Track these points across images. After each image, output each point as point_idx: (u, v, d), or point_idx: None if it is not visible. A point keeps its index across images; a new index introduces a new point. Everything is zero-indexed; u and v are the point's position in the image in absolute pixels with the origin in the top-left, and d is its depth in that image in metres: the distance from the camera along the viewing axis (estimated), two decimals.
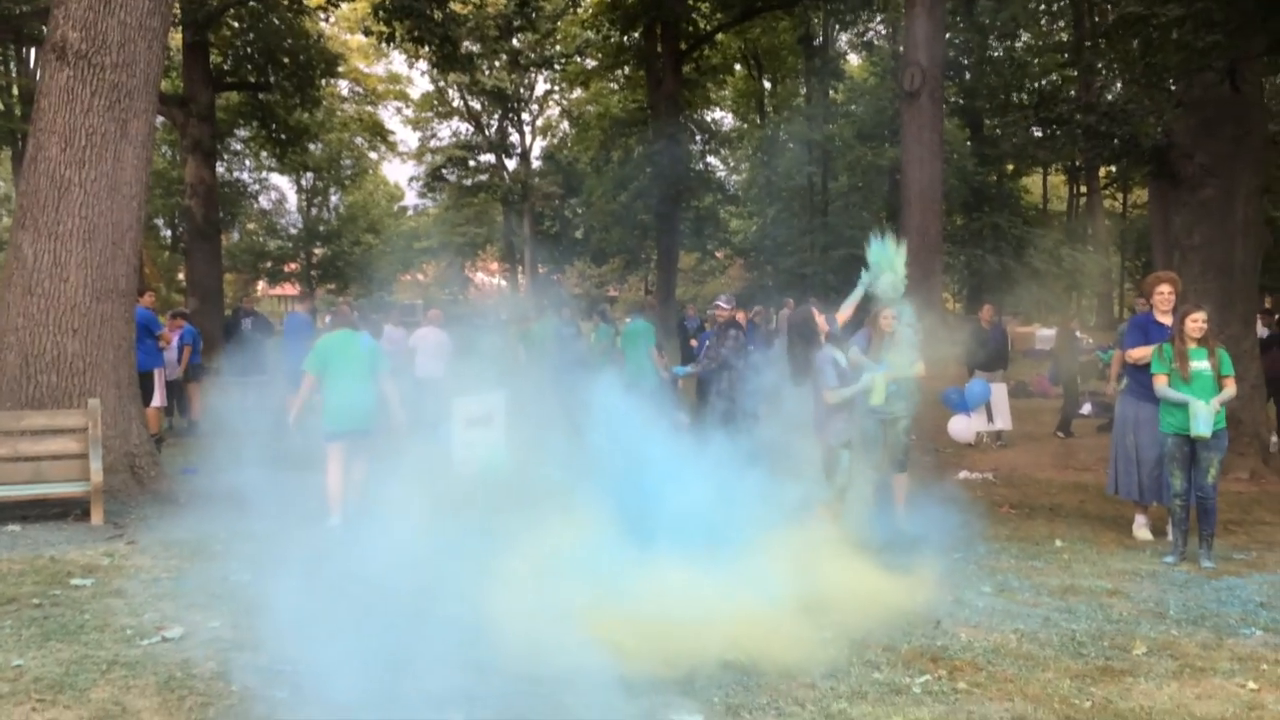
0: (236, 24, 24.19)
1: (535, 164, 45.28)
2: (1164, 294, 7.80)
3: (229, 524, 7.81)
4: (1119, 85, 22.24)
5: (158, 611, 5.69)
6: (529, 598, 5.09)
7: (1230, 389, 7.04)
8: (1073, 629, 5.47)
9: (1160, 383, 7.19)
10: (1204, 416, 6.88)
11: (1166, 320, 7.60)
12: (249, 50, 24.58)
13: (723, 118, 41.07)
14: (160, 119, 16.68)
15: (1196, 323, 7.10)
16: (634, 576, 5.26)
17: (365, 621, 5.31)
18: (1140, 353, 7.77)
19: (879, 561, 6.20)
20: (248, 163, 38.89)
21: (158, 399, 11.85)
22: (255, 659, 4.91)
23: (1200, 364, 7.03)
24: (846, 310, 7.56)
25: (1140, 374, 7.76)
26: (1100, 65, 20.91)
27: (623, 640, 4.68)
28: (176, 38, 21.88)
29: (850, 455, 6.99)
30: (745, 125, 39.63)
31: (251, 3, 22.19)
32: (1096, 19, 25.26)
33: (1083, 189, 34.53)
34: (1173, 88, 11.96)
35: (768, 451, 7.09)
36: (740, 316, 12.92)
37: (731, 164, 41.20)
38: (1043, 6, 28.03)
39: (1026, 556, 7.15)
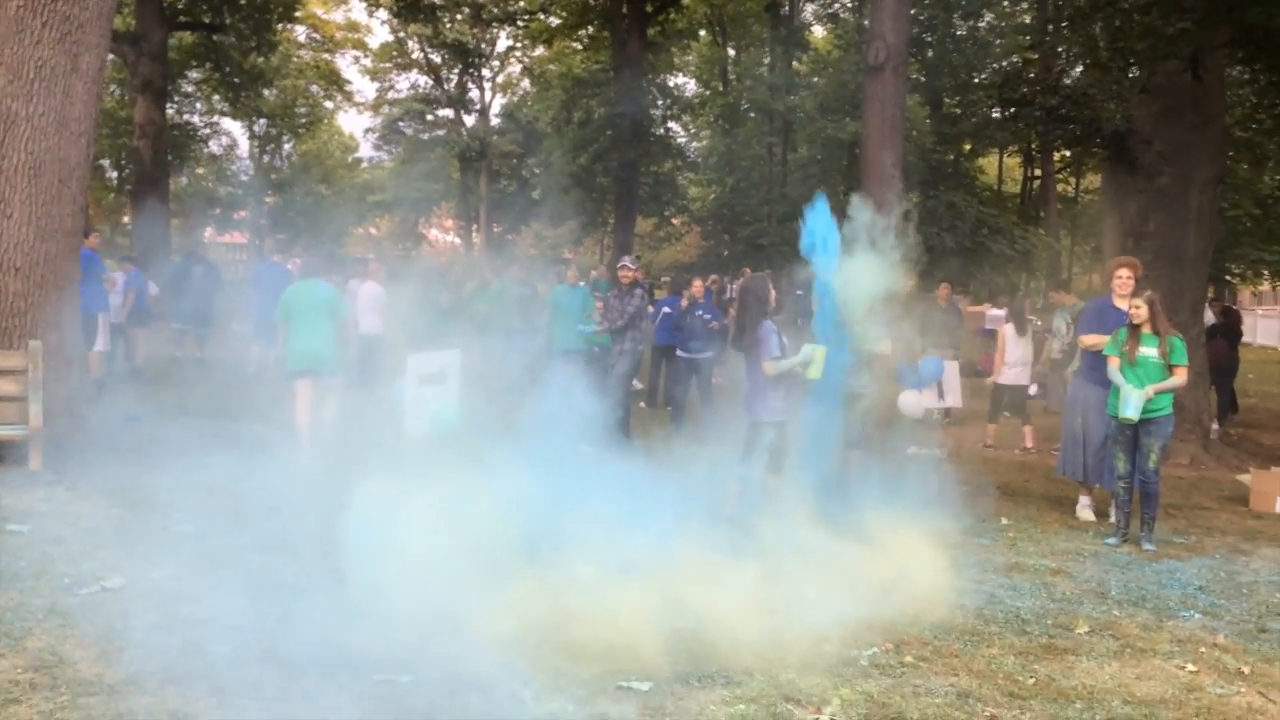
0: None
1: (494, 121, 44.79)
2: (1122, 278, 7.90)
3: (172, 473, 7.66)
4: (1079, 69, 22.41)
5: (97, 560, 5.57)
6: (480, 566, 5.03)
7: (1177, 378, 7.13)
8: (1017, 607, 5.55)
9: (1112, 365, 7.30)
10: (1132, 401, 6.98)
11: (1123, 305, 7.68)
12: None
13: (685, 83, 40.88)
14: (110, 56, 16.19)
15: (1130, 309, 7.22)
16: (570, 548, 5.23)
17: (307, 577, 5.25)
18: (1092, 339, 7.89)
19: (826, 536, 6.23)
20: (199, 105, 38.03)
21: (100, 343, 11.55)
22: (198, 611, 4.82)
23: (1148, 350, 7.12)
24: (786, 366, 7.16)
25: (1093, 357, 7.88)
26: (1062, 49, 21.04)
27: (570, 609, 4.65)
28: None
29: (776, 433, 6.97)
30: (708, 92, 39.44)
31: None
32: (1060, 2, 25.39)
33: (1037, 172, 34.82)
34: (1134, 74, 12.06)
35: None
36: (698, 285, 12.90)
37: (693, 130, 41.03)
38: None
39: (973, 534, 7.24)
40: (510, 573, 5.04)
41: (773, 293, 7.11)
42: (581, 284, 13.24)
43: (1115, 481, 7.44)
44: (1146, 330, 7.18)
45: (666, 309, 13.14)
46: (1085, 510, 8.13)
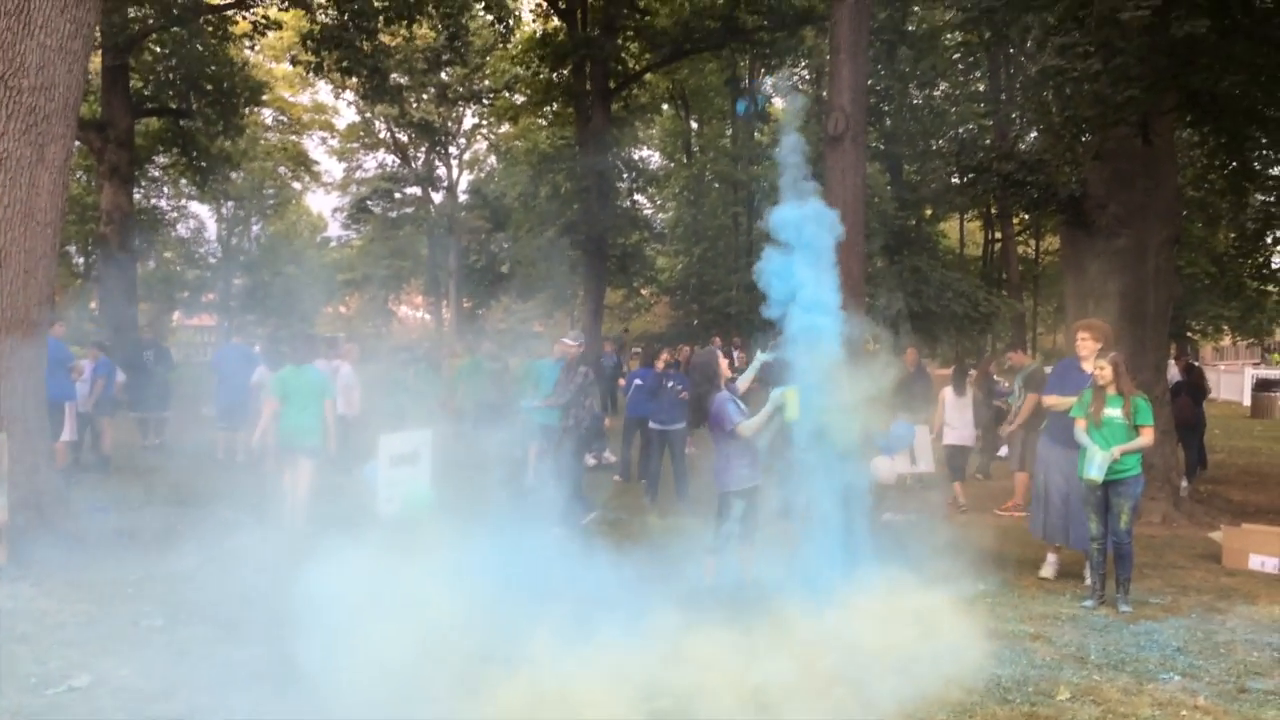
0: (159, 49, 23.80)
1: (462, 198, 45.12)
2: (1082, 340, 8.04)
3: (140, 565, 7.55)
4: (1033, 135, 22.93)
5: (64, 659, 5.46)
6: (453, 662, 4.99)
7: (1144, 438, 7.19)
8: (998, 674, 5.53)
9: (1079, 426, 7.38)
10: (1096, 462, 7.06)
11: (1088, 367, 7.79)
12: (171, 76, 24.19)
13: (650, 156, 41.44)
14: (77, 144, 16.24)
15: (1095, 370, 7.34)
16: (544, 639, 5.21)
17: (280, 669, 5.16)
18: (1053, 399, 8.03)
19: (803, 608, 6.20)
20: (166, 190, 38.09)
21: (67, 432, 11.44)
22: (167, 709, 4.72)
23: (1113, 411, 7.20)
24: (746, 382, 7.48)
25: (1057, 418, 7.98)
26: (1016, 115, 21.57)
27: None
28: (96, 61, 21.44)
29: (744, 505, 6.93)
30: (672, 164, 40.00)
31: (175, 28, 21.80)
32: (1012, 70, 26.07)
33: (998, 235, 35.46)
34: (1086, 139, 12.36)
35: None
36: (665, 356, 12.97)
37: (659, 202, 41.51)
38: (958, 57, 28.84)
39: (950, 600, 7.20)
40: (486, 668, 5.00)
41: (723, 363, 7.16)
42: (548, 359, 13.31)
43: (1088, 543, 7.49)
44: (1111, 391, 7.27)
45: (638, 381, 13.19)
46: (1048, 568, 8.17)
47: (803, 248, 7.25)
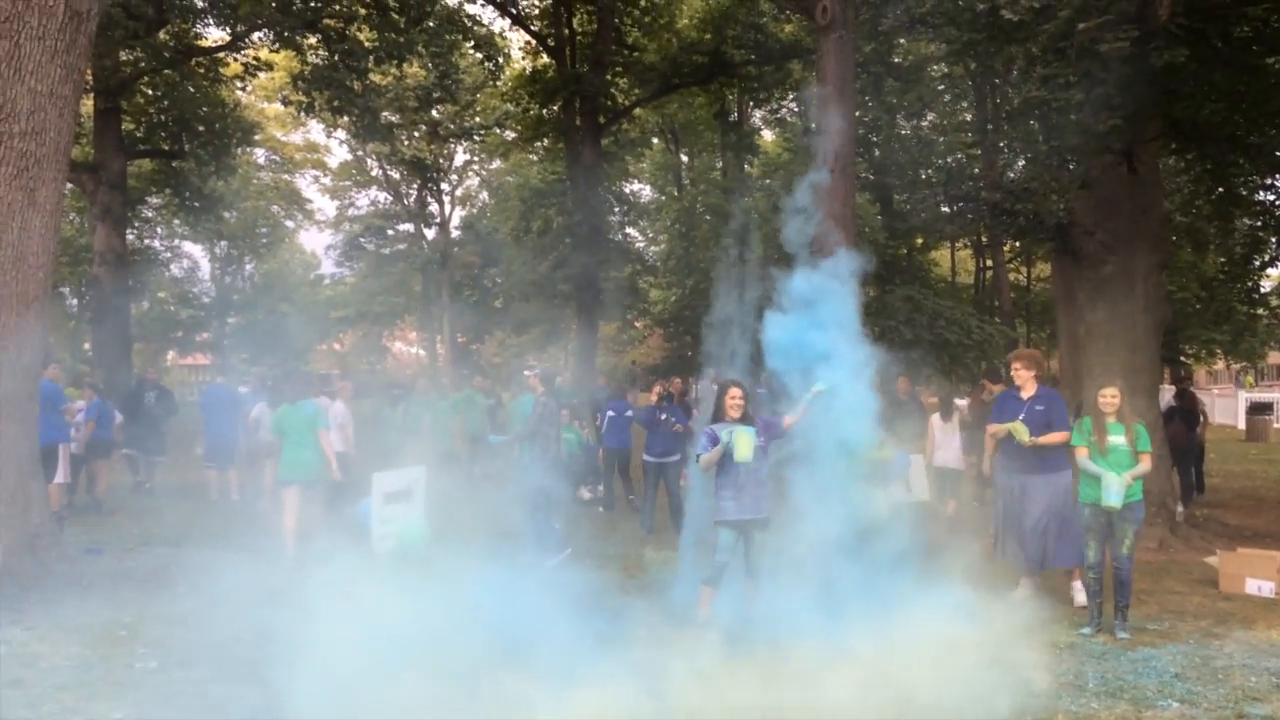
0: (151, 91, 23.92)
1: (455, 233, 45.27)
2: (1016, 370, 8.40)
3: (134, 607, 7.52)
4: (1020, 163, 23.10)
5: (57, 703, 5.43)
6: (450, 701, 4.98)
7: (1145, 464, 7.29)
8: (995, 703, 5.51)
9: (1080, 455, 7.45)
10: (1115, 489, 7.11)
11: (1024, 396, 8.20)
12: (163, 117, 24.30)
13: (641, 189, 41.69)
14: (69, 186, 16.31)
15: (1105, 398, 7.38)
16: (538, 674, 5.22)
17: (271, 711, 5.14)
18: (993, 428, 8.38)
19: (800, 640, 6.20)
20: (159, 230, 38.19)
21: (60, 474, 11.40)
22: None
23: (1116, 438, 7.28)
24: (795, 415, 7.36)
25: (1005, 445, 8.31)
26: (1003, 145, 21.73)
27: None
28: (88, 104, 21.57)
29: (734, 536, 6.96)
30: (663, 197, 40.21)
31: (166, 71, 21.95)
32: (998, 100, 26.31)
33: (989, 262, 35.66)
34: (1072, 168, 12.47)
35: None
36: (657, 389, 12.99)
37: (650, 235, 41.70)
38: (944, 88, 29.10)
39: (947, 629, 7.19)
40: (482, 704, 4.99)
41: (729, 400, 7.13)
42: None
43: (1086, 570, 7.53)
44: (1112, 419, 7.35)
45: (612, 412, 13.31)
46: (1022, 593, 8.21)
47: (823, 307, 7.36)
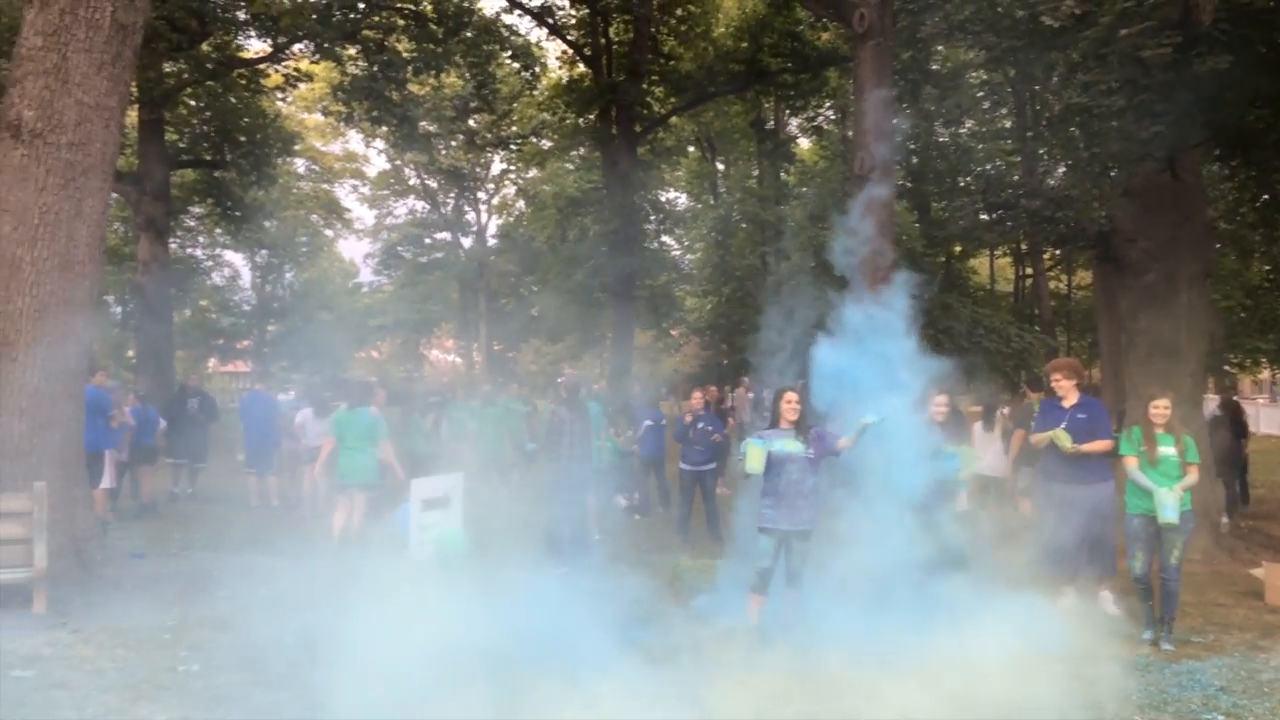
0: (193, 102, 24.28)
1: (491, 242, 45.47)
2: (1057, 381, 8.28)
3: (176, 611, 7.62)
4: (1061, 170, 22.86)
5: (102, 705, 5.51)
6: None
7: (1193, 475, 7.23)
8: (1041, 717, 5.45)
9: (1130, 465, 7.39)
10: (1170, 505, 7.05)
11: (1065, 405, 8.11)
12: (205, 128, 24.66)
13: (677, 197, 41.65)
14: (113, 195, 16.58)
15: (1156, 409, 7.32)
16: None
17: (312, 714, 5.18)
18: (1038, 437, 8.27)
19: (841, 651, 6.16)
20: (201, 239, 38.64)
21: (106, 480, 11.57)
22: None
23: (1166, 449, 7.24)
24: (844, 441, 7.23)
25: (1046, 454, 8.24)
26: (1043, 152, 21.54)
27: None
28: (132, 115, 21.90)
29: (775, 544, 6.95)
30: (699, 205, 40.18)
31: (209, 82, 22.26)
32: (1038, 107, 26.07)
33: (1028, 270, 35.30)
34: (1114, 175, 12.35)
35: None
36: (696, 397, 12.96)
37: (686, 243, 41.66)
38: (983, 95, 28.89)
39: (990, 641, 7.12)
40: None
41: (785, 405, 7.11)
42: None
43: (1134, 582, 7.47)
44: (1161, 430, 7.29)
45: (649, 421, 13.39)
46: (1067, 600, 8.10)
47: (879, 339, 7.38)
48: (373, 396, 11.33)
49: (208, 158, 24.96)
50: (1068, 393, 8.19)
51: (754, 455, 6.92)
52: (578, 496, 10.25)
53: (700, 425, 11.96)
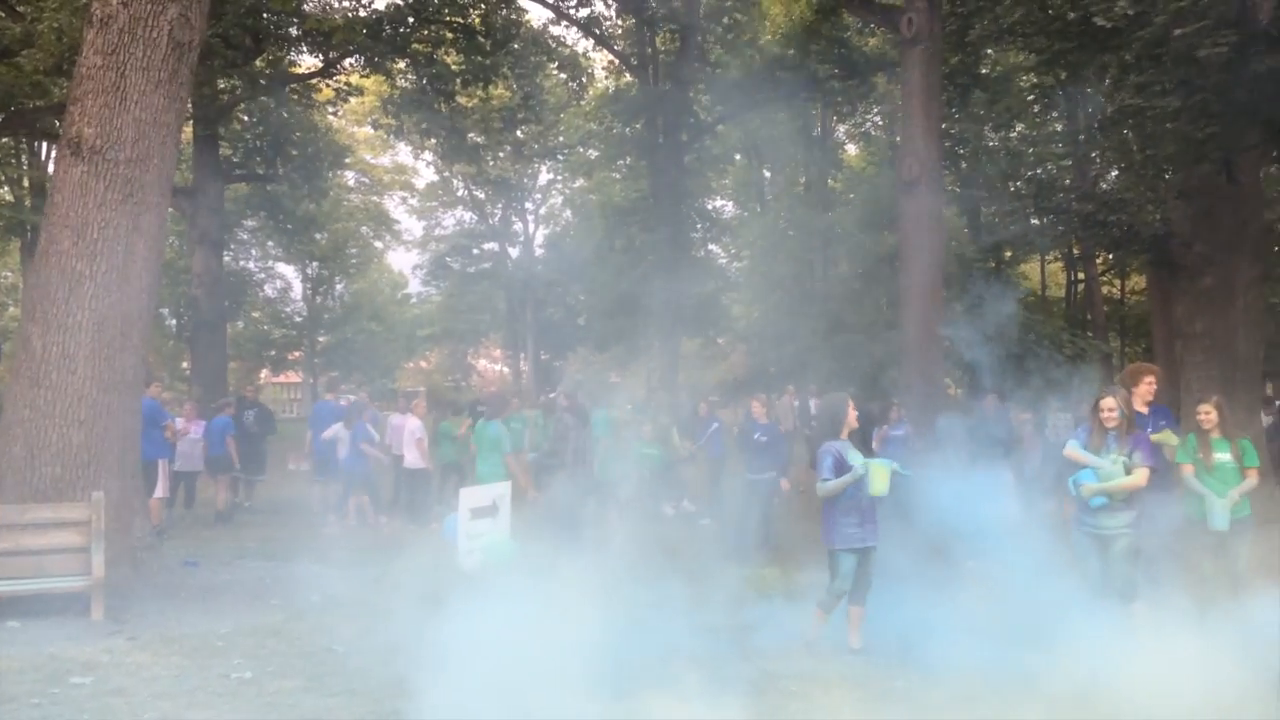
0: (246, 117, 24.70)
1: (538, 252, 45.69)
2: (1149, 383, 7.76)
3: (230, 619, 7.73)
4: (1114, 174, 22.52)
5: (158, 711, 5.59)
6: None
7: (1252, 479, 7.06)
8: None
9: (1186, 472, 7.25)
10: (1219, 511, 6.92)
11: (1143, 409, 7.60)
12: (258, 143, 25.08)
13: (724, 205, 41.58)
14: (170, 210, 16.91)
15: (1201, 414, 7.19)
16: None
17: None
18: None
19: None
20: (254, 252, 39.24)
21: (160, 489, 11.78)
22: None
23: (1221, 455, 7.11)
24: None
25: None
26: (1096, 154, 21.24)
27: None
28: (187, 131, 22.32)
29: (854, 561, 6.73)
30: (746, 213, 40.08)
31: (262, 98, 22.64)
32: (1090, 110, 25.74)
33: (1081, 275, 34.77)
34: (1169, 177, 12.15)
35: None
36: (756, 406, 12.85)
37: (733, 251, 41.57)
38: (1033, 99, 28.57)
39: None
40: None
41: (851, 413, 6.96)
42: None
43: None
44: (1216, 435, 7.15)
45: (716, 424, 13.63)
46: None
47: None
48: (506, 408, 12.42)
49: (260, 171, 25.39)
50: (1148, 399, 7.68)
51: (882, 476, 6.66)
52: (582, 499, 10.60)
53: (756, 435, 11.88)
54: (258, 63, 21.18)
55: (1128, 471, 6.37)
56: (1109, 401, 6.64)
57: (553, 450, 10.59)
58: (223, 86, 21.91)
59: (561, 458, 10.40)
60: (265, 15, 19.73)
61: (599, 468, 11.86)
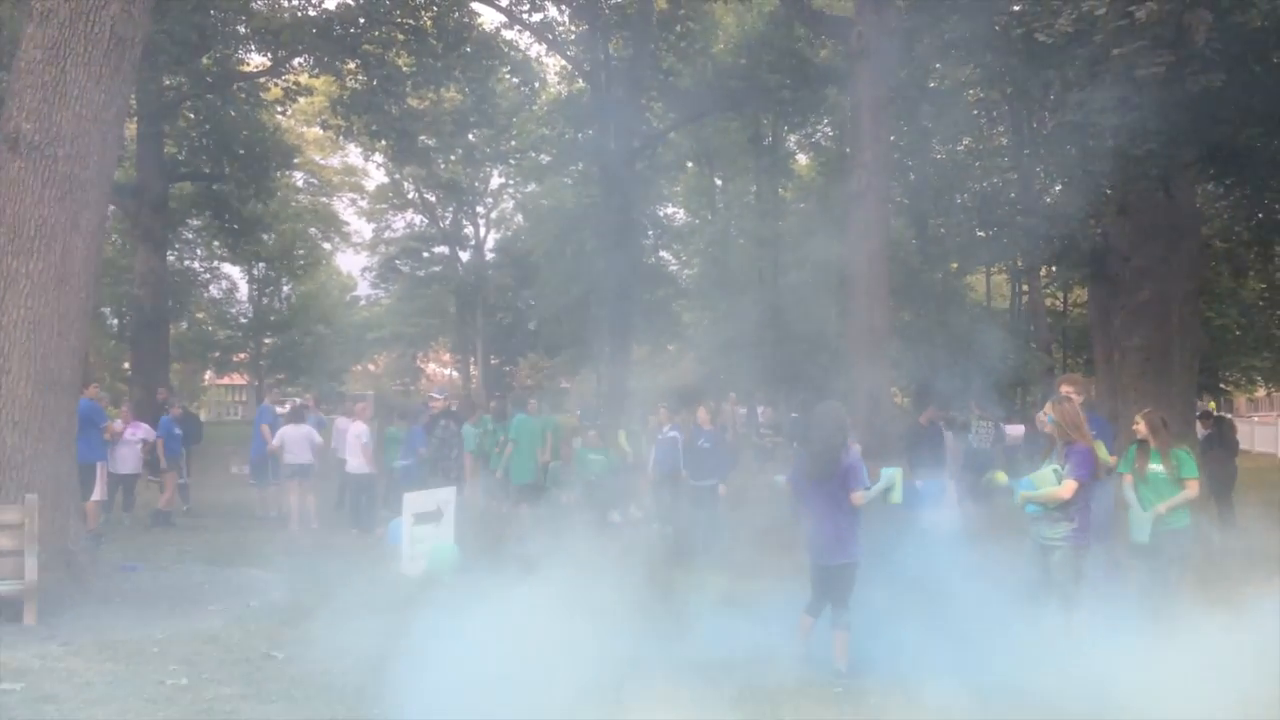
0: (192, 115, 24.34)
1: (489, 256, 45.53)
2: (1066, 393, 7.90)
3: (167, 624, 7.59)
4: (1056, 188, 22.90)
5: (90, 717, 5.48)
6: None
7: (1189, 491, 7.05)
8: None
9: (1125, 483, 7.29)
10: (1139, 524, 7.00)
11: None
12: (204, 141, 24.73)
13: (675, 212, 41.71)
14: (111, 208, 16.60)
15: (1135, 425, 7.28)
16: None
17: None
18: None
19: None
20: (199, 251, 38.64)
21: (98, 492, 11.55)
22: None
23: (1154, 466, 7.10)
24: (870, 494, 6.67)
25: None
26: (1039, 169, 21.61)
27: None
28: (131, 128, 21.95)
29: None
30: (696, 221, 40.24)
31: (208, 96, 22.34)
32: (1034, 125, 26.18)
33: (1025, 287, 35.34)
34: (1109, 193, 12.40)
35: None
36: (702, 412, 12.85)
37: (684, 258, 41.71)
38: (979, 113, 28.99)
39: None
40: None
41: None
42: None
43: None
44: (1152, 445, 7.18)
45: (673, 433, 13.33)
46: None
47: None
48: (475, 412, 12.99)
49: (206, 170, 25.03)
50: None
51: (900, 483, 6.65)
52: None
53: (700, 442, 11.90)
54: (204, 60, 20.90)
55: (1059, 481, 6.46)
56: (1042, 411, 6.75)
57: (434, 457, 10.86)
58: (168, 83, 21.59)
59: (447, 465, 10.70)
60: (212, 12, 19.48)
61: (513, 472, 12.05)
